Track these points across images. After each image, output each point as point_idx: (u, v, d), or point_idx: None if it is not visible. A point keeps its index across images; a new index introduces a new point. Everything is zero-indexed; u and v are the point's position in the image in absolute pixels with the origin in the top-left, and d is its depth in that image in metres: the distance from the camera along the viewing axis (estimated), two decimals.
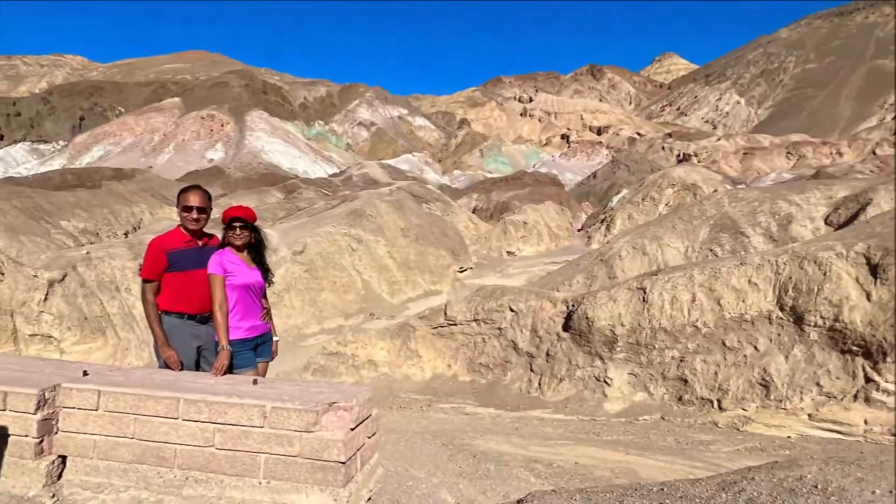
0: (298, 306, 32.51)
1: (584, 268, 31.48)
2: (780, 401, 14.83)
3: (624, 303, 18.30)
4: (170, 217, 53.13)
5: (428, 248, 40.94)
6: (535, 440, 13.11)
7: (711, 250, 30.62)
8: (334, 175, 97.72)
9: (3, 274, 26.50)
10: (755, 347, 16.13)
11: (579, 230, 61.92)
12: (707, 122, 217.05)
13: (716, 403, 15.72)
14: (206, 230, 4.91)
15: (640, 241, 31.63)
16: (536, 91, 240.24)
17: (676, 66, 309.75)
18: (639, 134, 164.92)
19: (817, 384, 14.61)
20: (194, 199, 4.74)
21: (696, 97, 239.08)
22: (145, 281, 4.66)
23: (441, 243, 42.93)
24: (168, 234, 4.79)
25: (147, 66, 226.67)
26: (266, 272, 4.88)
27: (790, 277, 16.47)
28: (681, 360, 16.79)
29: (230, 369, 4.40)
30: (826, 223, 31.05)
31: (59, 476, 3.70)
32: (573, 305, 19.53)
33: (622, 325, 17.91)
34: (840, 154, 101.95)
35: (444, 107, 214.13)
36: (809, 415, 14.27)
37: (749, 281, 17.05)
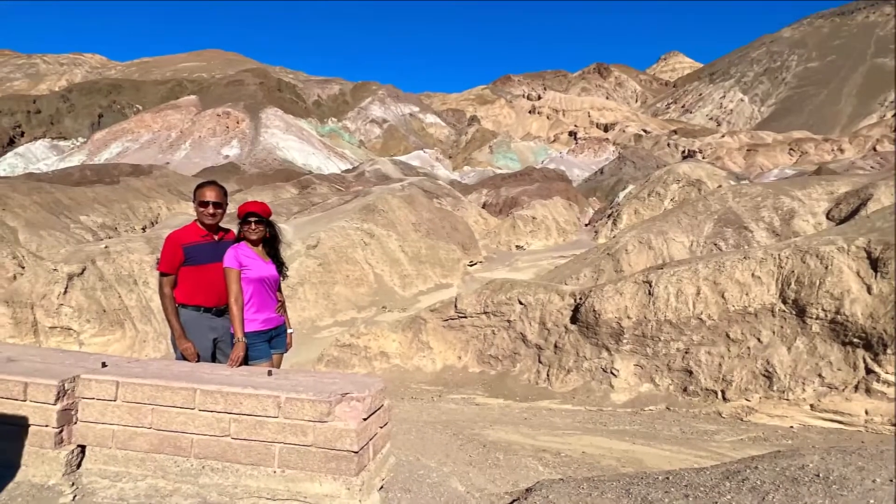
0: (312, 299, 32.58)
1: (591, 262, 31.46)
2: (783, 391, 14.89)
3: (630, 296, 18.35)
4: (186, 212, 53.12)
5: (439, 243, 40.95)
6: (544, 430, 13.21)
7: (716, 244, 30.59)
8: (347, 171, 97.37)
9: (23, 268, 26.76)
10: (758, 339, 16.18)
11: (586, 225, 61.85)
12: (711, 119, 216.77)
13: (720, 394, 15.79)
14: (221, 225, 4.97)
15: (646, 236, 31.59)
16: (545, 89, 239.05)
17: (682, 64, 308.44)
18: (645, 131, 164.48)
19: (819, 375, 14.67)
20: (210, 195, 4.80)
21: (700, 95, 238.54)
22: (162, 274, 4.71)
23: (451, 238, 42.96)
24: (185, 229, 4.85)
25: (164, 65, 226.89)
26: (280, 266, 4.94)
27: (793, 271, 16.51)
28: (686, 352, 16.85)
29: (245, 361, 4.47)
30: (828, 218, 31.01)
31: (79, 465, 3.74)
32: (580, 298, 19.58)
33: (628, 317, 17.96)
34: (841, 150, 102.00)
35: (455, 104, 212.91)
36: (811, 405, 14.34)
37: (752, 274, 17.08)
